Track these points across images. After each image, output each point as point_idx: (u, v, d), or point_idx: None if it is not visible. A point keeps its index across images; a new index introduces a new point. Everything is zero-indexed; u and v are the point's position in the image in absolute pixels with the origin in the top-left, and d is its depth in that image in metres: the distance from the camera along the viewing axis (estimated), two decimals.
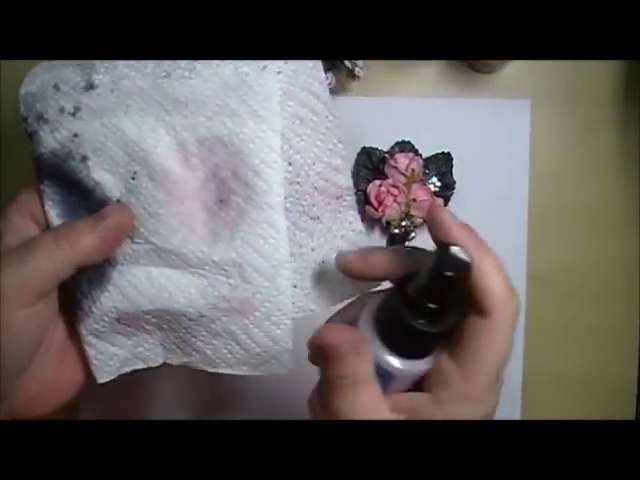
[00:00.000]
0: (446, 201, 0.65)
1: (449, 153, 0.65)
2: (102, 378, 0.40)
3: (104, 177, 0.37)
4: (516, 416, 0.68)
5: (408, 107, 0.65)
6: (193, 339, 0.40)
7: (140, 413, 0.65)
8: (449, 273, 0.31)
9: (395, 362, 0.34)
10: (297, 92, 0.37)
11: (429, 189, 0.64)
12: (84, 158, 0.37)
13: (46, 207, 0.38)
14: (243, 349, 0.39)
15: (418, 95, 0.65)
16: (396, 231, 0.64)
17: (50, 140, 0.37)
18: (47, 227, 0.39)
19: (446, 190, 0.65)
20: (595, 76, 0.65)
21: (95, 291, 0.38)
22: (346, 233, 0.41)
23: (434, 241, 0.35)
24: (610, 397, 0.68)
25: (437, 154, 0.65)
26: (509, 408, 0.67)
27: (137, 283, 0.38)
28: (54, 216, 0.38)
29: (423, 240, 0.65)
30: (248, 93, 0.36)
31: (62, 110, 0.37)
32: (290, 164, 0.38)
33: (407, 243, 0.65)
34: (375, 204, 0.63)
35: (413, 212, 0.63)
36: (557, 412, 0.68)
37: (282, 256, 0.38)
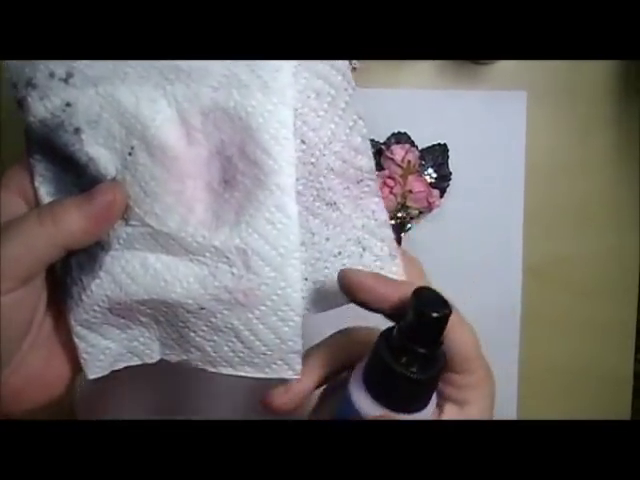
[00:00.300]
0: (442, 192, 0.65)
1: (445, 144, 0.65)
2: (93, 374, 0.37)
3: (99, 152, 0.34)
4: (512, 408, 0.68)
5: (404, 99, 0.65)
6: (192, 334, 0.36)
7: (137, 412, 0.65)
8: (434, 314, 0.30)
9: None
10: (313, 63, 0.34)
11: (425, 180, 0.64)
12: (77, 130, 0.34)
13: (36, 184, 0.35)
14: (247, 347, 0.36)
15: (414, 87, 0.65)
16: (392, 222, 0.64)
17: (39, 108, 0.34)
18: (37, 206, 0.36)
19: (442, 181, 0.65)
20: (591, 69, 0.65)
21: (86, 277, 0.35)
22: (367, 223, 0.37)
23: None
24: (606, 390, 0.68)
25: (433, 145, 0.65)
26: (505, 400, 0.67)
27: (131, 270, 0.35)
28: (44, 194, 0.35)
29: (419, 231, 0.65)
30: (258, 63, 0.33)
31: (52, 75, 0.34)
32: (303, 142, 0.34)
33: (403, 234, 0.65)
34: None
35: (409, 203, 0.63)
36: (553, 404, 0.68)
37: (291, 244, 0.34)
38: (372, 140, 0.64)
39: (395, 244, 0.38)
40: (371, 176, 0.37)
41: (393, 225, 0.64)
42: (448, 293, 0.67)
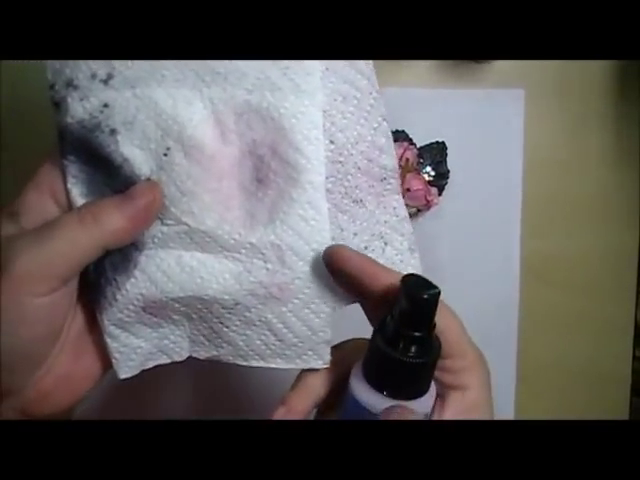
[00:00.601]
0: (440, 190, 0.65)
1: (443, 142, 0.65)
2: (124, 373, 0.38)
3: (133, 152, 0.34)
4: (510, 406, 0.68)
5: (402, 97, 0.65)
6: (225, 329, 0.37)
7: (139, 412, 0.65)
8: (425, 295, 0.31)
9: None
10: (340, 67, 0.36)
11: (423, 178, 0.64)
12: (113, 131, 0.34)
13: (68, 185, 0.35)
14: (279, 340, 0.37)
15: (412, 85, 0.65)
16: None
17: (78, 109, 0.34)
18: (69, 207, 0.36)
19: (440, 179, 0.65)
20: (589, 66, 0.65)
21: (120, 277, 0.36)
22: (389, 219, 0.39)
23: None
24: (604, 388, 0.68)
25: (431, 143, 0.65)
26: (503, 398, 0.67)
27: (166, 268, 0.36)
28: (76, 195, 0.35)
29: (417, 229, 0.65)
30: (290, 66, 0.35)
31: (94, 76, 0.34)
32: (332, 142, 0.36)
33: None
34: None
35: (407, 201, 0.63)
36: (551, 402, 0.68)
37: (324, 239, 0.36)
38: None
39: (413, 238, 0.40)
40: (394, 174, 0.38)
41: None
42: (445, 290, 0.67)
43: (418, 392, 0.33)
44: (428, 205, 0.64)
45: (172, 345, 0.39)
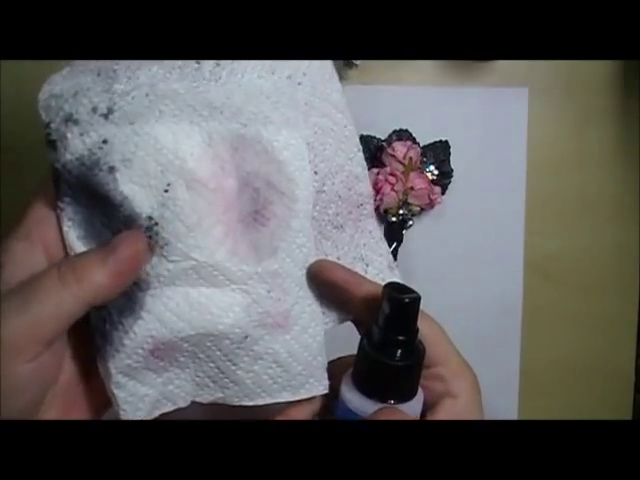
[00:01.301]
0: (444, 189, 0.65)
1: (447, 141, 0.65)
2: None
3: (133, 190, 0.34)
4: (514, 404, 0.68)
5: (406, 96, 0.65)
6: (233, 367, 0.37)
7: None
8: (406, 299, 0.33)
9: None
10: (317, 103, 0.37)
11: (427, 177, 0.64)
12: (111, 169, 0.33)
13: (65, 228, 0.34)
14: (285, 371, 0.37)
15: (416, 84, 0.65)
16: (394, 219, 0.64)
17: (79, 145, 0.33)
18: (65, 252, 0.35)
19: (444, 178, 0.65)
20: (592, 65, 0.65)
21: (127, 320, 0.34)
22: (367, 241, 0.40)
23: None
24: (608, 386, 0.68)
25: (435, 142, 0.65)
26: (507, 396, 0.68)
27: (174, 306, 0.35)
28: (74, 238, 0.34)
29: (420, 228, 0.65)
30: (281, 100, 0.36)
31: (95, 110, 0.34)
32: (316, 173, 0.38)
33: (404, 231, 0.65)
34: (373, 192, 0.63)
35: (411, 200, 0.63)
36: (555, 401, 0.68)
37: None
38: (374, 137, 0.64)
39: (391, 257, 0.42)
40: (369, 200, 0.40)
41: (395, 222, 0.65)
42: (449, 289, 0.67)
43: (406, 395, 0.34)
44: (431, 204, 0.64)
45: (176, 390, 0.38)
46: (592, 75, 0.65)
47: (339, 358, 0.39)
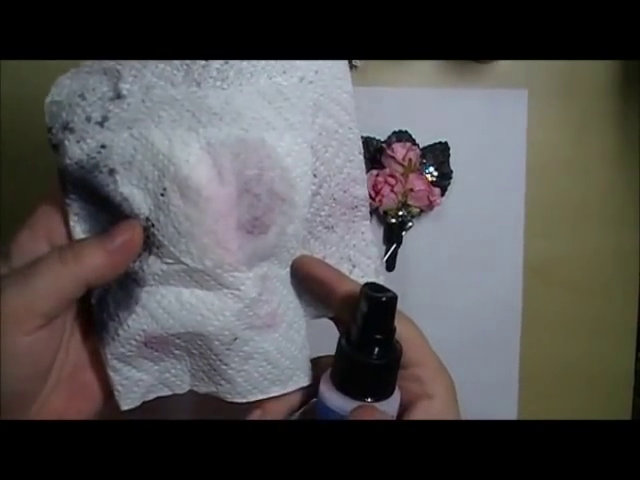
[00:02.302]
0: (443, 191, 0.65)
1: (446, 143, 0.65)
2: (126, 405, 0.38)
3: (132, 192, 0.35)
4: (513, 406, 0.68)
5: (405, 97, 0.65)
6: (224, 367, 0.37)
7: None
8: (383, 298, 0.33)
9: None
10: (326, 103, 0.37)
11: (426, 179, 0.64)
12: (112, 171, 0.34)
13: (71, 223, 0.36)
14: (275, 367, 0.38)
15: (415, 85, 0.66)
16: (393, 220, 0.65)
17: (76, 151, 0.34)
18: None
19: (443, 180, 0.65)
20: (592, 66, 0.65)
21: (122, 313, 0.36)
22: (358, 243, 0.40)
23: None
24: (607, 388, 0.68)
25: (434, 144, 0.65)
26: (506, 399, 0.68)
27: (167, 304, 0.36)
28: (79, 232, 0.36)
29: (420, 229, 0.65)
30: (284, 106, 0.35)
31: (89, 119, 0.34)
32: (315, 175, 0.37)
33: (404, 233, 0.65)
34: (372, 194, 0.63)
35: (410, 202, 0.64)
36: (554, 403, 0.68)
37: None
38: (373, 138, 0.64)
39: (380, 262, 0.42)
40: (365, 202, 0.40)
41: (394, 223, 0.65)
42: (449, 291, 0.67)
43: (383, 393, 0.35)
44: (431, 205, 0.64)
45: (173, 378, 0.39)
46: (592, 78, 0.65)
47: (318, 357, 0.40)
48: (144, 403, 0.38)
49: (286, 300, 0.38)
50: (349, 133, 0.38)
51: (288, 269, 0.38)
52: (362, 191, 0.39)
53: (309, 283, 0.38)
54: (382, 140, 0.65)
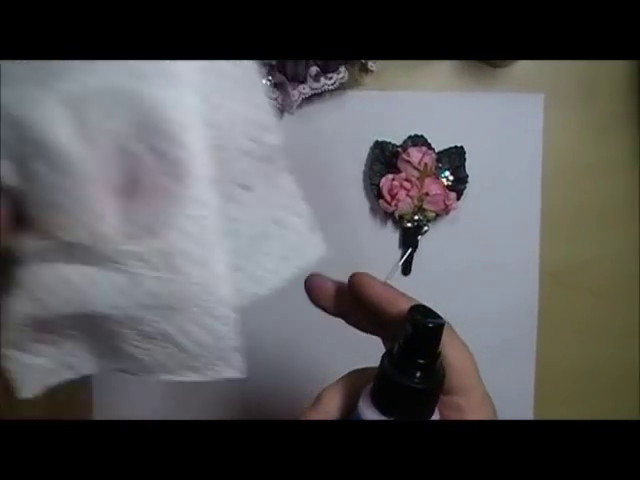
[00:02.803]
0: (459, 195, 0.65)
1: (462, 147, 0.65)
2: (27, 393, 0.35)
3: (2, 163, 0.30)
4: (529, 410, 0.68)
5: (421, 101, 0.65)
6: (124, 344, 0.34)
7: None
8: (430, 324, 0.32)
9: None
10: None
11: (442, 183, 0.64)
12: None
13: None
14: (182, 352, 0.34)
15: (431, 89, 0.66)
16: (409, 225, 0.65)
17: None
18: None
19: (459, 184, 0.65)
20: (610, 72, 0.65)
21: (6, 297, 0.33)
22: (281, 200, 0.36)
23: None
24: (625, 392, 0.68)
25: (450, 148, 0.65)
26: (522, 401, 0.68)
27: (48, 284, 0.32)
28: None
29: (436, 234, 0.65)
30: None
31: None
32: (211, 126, 0.32)
33: (420, 237, 0.65)
34: (388, 198, 0.63)
35: (426, 206, 0.64)
36: (571, 406, 0.68)
37: (215, 236, 0.32)
38: (389, 143, 0.65)
39: (311, 217, 0.37)
40: (279, 152, 0.35)
41: (410, 228, 0.65)
42: (465, 296, 0.67)
43: (421, 417, 0.34)
44: (447, 210, 0.64)
45: (78, 360, 0.36)
46: (611, 81, 0.65)
47: (364, 369, 0.38)
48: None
49: (204, 284, 0.32)
50: (246, 72, 0.33)
51: (209, 246, 0.32)
52: (274, 139, 0.34)
53: (362, 302, 0.37)
54: (398, 144, 0.65)
